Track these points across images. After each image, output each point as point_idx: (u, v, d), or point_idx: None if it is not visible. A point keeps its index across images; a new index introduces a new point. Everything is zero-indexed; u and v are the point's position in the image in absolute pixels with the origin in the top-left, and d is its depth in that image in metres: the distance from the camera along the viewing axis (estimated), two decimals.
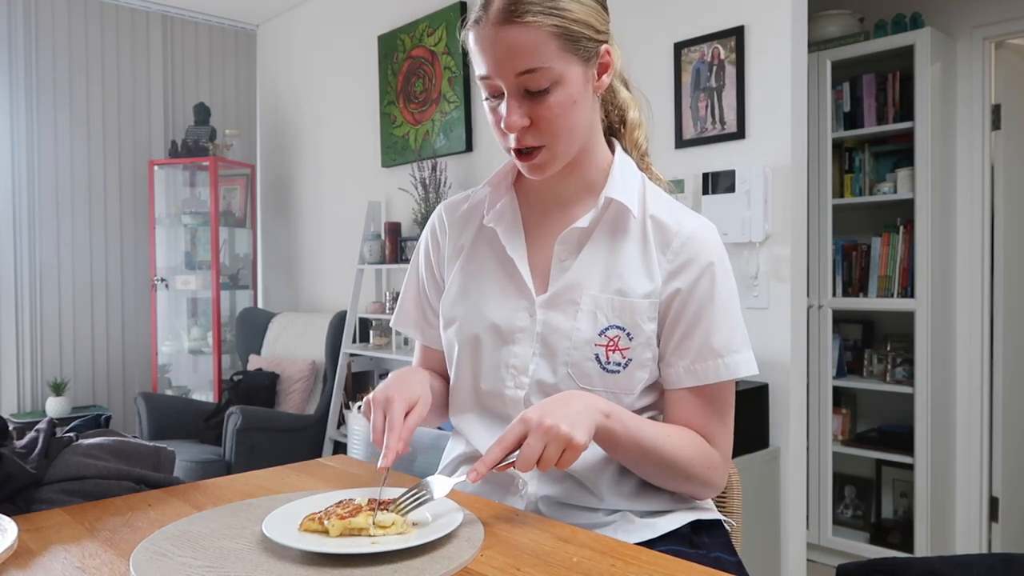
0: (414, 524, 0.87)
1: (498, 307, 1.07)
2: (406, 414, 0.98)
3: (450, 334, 1.13)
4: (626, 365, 1.02)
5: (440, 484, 0.91)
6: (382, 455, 0.93)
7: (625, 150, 1.13)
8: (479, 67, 0.98)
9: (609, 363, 1.02)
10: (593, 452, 1.03)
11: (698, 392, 1.03)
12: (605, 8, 1.03)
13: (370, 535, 0.81)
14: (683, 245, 1.03)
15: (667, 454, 0.99)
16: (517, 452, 0.89)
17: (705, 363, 1.02)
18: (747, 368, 1.03)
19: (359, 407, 3.03)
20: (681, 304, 1.03)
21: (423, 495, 0.90)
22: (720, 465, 1.04)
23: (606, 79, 1.03)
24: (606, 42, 1.01)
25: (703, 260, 1.03)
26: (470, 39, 0.99)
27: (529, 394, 1.05)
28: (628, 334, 1.02)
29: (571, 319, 1.03)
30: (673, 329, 1.03)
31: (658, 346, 1.05)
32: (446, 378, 1.21)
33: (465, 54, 1.03)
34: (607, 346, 1.02)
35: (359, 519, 0.82)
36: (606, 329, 1.02)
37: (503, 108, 0.98)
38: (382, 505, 0.89)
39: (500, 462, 0.90)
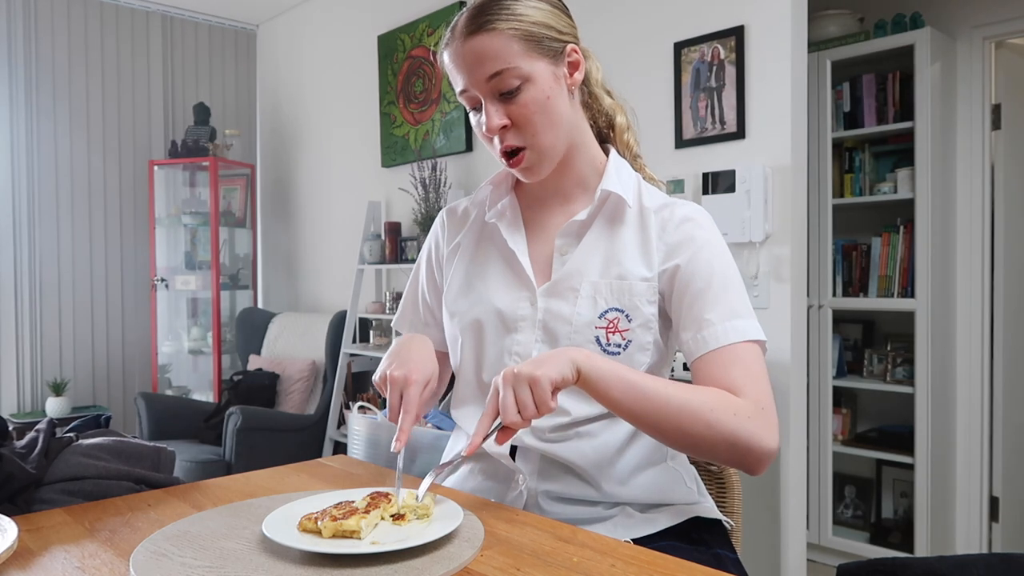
0: (420, 518, 0.89)
1: (501, 297, 1.10)
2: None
3: (453, 325, 1.15)
4: (626, 347, 1.05)
5: (489, 445, 0.98)
6: (395, 437, 0.97)
7: (619, 152, 1.17)
8: (457, 83, 1.05)
9: (609, 344, 1.05)
10: (593, 444, 1.05)
11: (720, 355, 0.99)
12: (567, 13, 1.09)
13: (360, 538, 0.81)
14: (678, 227, 1.07)
15: (674, 396, 0.93)
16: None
17: (714, 328, 0.99)
18: (760, 333, 1.01)
19: (359, 407, 3.02)
20: (686, 277, 1.03)
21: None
22: (754, 414, 0.94)
23: (578, 76, 1.08)
24: (573, 42, 1.07)
25: (699, 238, 1.06)
26: (445, 59, 1.06)
27: None
28: (627, 316, 1.05)
29: (571, 304, 1.06)
30: (682, 299, 1.03)
31: (663, 325, 1.07)
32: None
33: None
34: (607, 328, 1.05)
35: (351, 521, 0.82)
36: (606, 312, 1.05)
37: (484, 115, 1.04)
38: (378, 498, 0.90)
39: (489, 432, 0.92)
